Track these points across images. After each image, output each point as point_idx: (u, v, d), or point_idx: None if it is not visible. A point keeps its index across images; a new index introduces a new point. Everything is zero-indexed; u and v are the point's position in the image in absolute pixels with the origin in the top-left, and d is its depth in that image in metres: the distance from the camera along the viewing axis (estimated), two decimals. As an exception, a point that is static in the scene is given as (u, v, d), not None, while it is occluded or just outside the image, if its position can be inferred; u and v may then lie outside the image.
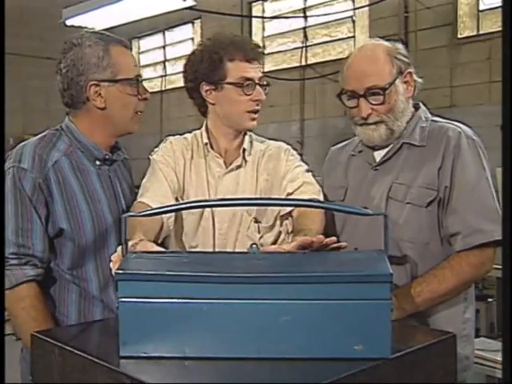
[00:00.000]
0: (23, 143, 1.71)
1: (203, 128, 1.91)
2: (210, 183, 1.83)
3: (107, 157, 1.76)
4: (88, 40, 1.68)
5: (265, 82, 1.82)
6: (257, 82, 1.79)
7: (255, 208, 1.80)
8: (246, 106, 1.79)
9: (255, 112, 1.81)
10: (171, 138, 1.92)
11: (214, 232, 1.81)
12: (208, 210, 1.80)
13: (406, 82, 1.76)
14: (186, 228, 1.83)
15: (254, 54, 1.81)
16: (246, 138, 1.88)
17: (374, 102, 1.71)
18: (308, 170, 1.87)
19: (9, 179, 1.63)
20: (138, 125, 1.77)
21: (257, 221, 1.81)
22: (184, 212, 1.82)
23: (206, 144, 1.86)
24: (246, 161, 1.86)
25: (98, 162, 1.74)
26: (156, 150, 1.89)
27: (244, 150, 1.85)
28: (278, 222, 1.83)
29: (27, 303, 1.61)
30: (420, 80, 1.80)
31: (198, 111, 1.93)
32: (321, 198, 1.80)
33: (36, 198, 1.62)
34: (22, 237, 1.61)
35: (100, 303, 1.71)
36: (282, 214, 1.81)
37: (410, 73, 1.76)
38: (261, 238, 1.81)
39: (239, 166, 1.85)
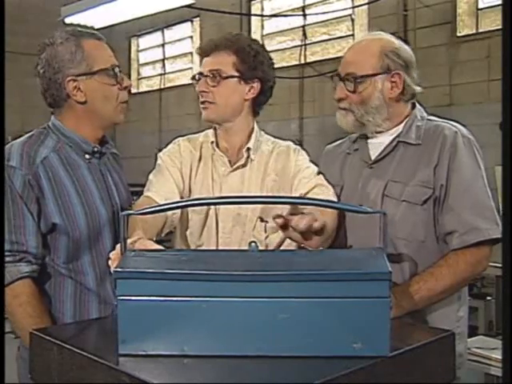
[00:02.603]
0: (11, 143, 1.71)
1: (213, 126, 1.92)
2: (215, 181, 1.84)
3: (96, 149, 1.76)
4: (59, 38, 1.68)
5: (206, 73, 1.84)
6: (205, 74, 1.83)
7: (259, 208, 1.80)
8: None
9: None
10: (180, 138, 1.93)
11: (217, 231, 1.81)
12: (212, 208, 1.81)
13: (392, 82, 1.76)
14: (192, 228, 1.83)
15: (208, 47, 1.84)
16: (253, 136, 1.87)
17: (347, 88, 1.77)
18: (319, 172, 1.85)
19: None
20: (123, 115, 1.76)
21: (263, 220, 1.80)
22: (190, 212, 1.83)
23: (212, 142, 1.87)
24: (251, 160, 1.85)
25: (87, 156, 1.74)
26: (164, 150, 1.91)
27: (248, 149, 1.85)
28: None
29: (23, 300, 1.61)
30: (418, 88, 1.79)
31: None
32: (334, 199, 1.76)
33: (26, 194, 1.63)
34: (15, 234, 1.62)
35: (96, 297, 1.71)
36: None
37: (398, 74, 1.75)
38: (267, 237, 1.80)
39: (244, 165, 1.85)
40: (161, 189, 1.77)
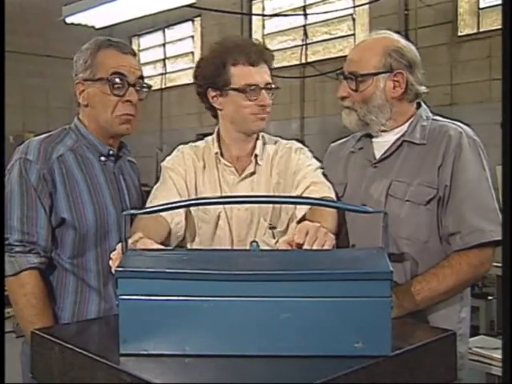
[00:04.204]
0: (31, 139, 1.79)
1: (214, 135, 1.88)
2: (225, 191, 1.82)
3: (111, 152, 1.81)
4: (87, 44, 1.78)
5: (272, 86, 1.79)
6: (262, 86, 1.76)
7: (270, 214, 1.79)
8: (251, 110, 1.76)
9: (262, 115, 1.78)
10: (183, 146, 1.91)
11: (232, 240, 1.80)
12: (223, 218, 1.79)
13: (395, 81, 1.75)
14: (202, 237, 1.82)
15: (258, 56, 1.77)
16: (259, 142, 1.86)
17: (350, 86, 1.77)
18: (321, 167, 1.85)
19: (15, 170, 1.70)
20: (126, 127, 1.76)
21: (272, 227, 1.80)
22: (198, 221, 1.81)
23: (217, 153, 1.84)
24: (259, 165, 1.84)
25: (102, 158, 1.80)
26: (168, 158, 1.88)
27: (256, 155, 1.83)
28: (293, 224, 1.80)
29: (28, 290, 1.66)
30: (422, 88, 1.78)
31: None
32: (332, 195, 1.77)
33: (41, 188, 1.69)
34: (27, 224, 1.67)
35: (97, 296, 1.73)
36: (297, 220, 1.76)
37: (401, 74, 1.74)
38: (276, 242, 1.80)
39: (253, 173, 1.83)
40: (162, 201, 1.74)
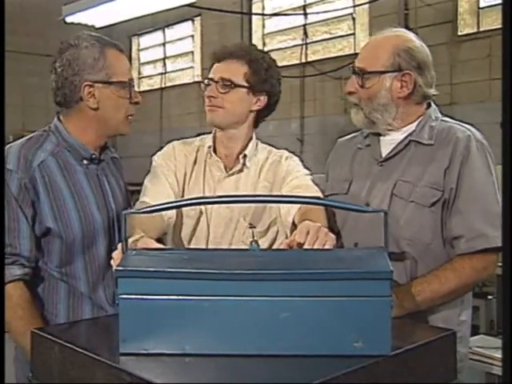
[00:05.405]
0: (10, 145, 1.71)
1: (212, 133, 1.93)
2: (210, 186, 1.84)
3: (94, 156, 1.76)
4: (85, 41, 1.70)
5: (208, 82, 1.87)
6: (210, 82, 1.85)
7: (250, 214, 1.82)
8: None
9: (207, 106, 1.85)
10: (175, 142, 1.94)
11: (208, 236, 1.82)
12: (204, 214, 1.82)
13: (402, 82, 1.74)
14: (184, 232, 1.84)
15: (221, 54, 1.87)
16: (250, 145, 1.89)
17: (357, 82, 1.76)
18: (309, 174, 1.87)
19: None
20: (129, 127, 1.79)
21: (252, 226, 1.81)
22: (184, 217, 1.83)
23: (210, 147, 1.88)
24: (246, 167, 1.86)
25: (85, 162, 1.74)
26: (159, 153, 1.91)
27: (245, 155, 1.86)
28: (274, 228, 1.84)
29: (14, 302, 1.61)
30: (431, 90, 1.78)
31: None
32: (319, 195, 1.79)
33: (22, 198, 1.62)
34: (9, 236, 1.61)
35: (89, 301, 1.71)
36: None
37: (409, 74, 1.73)
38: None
39: (240, 171, 1.86)
40: (157, 194, 1.76)
